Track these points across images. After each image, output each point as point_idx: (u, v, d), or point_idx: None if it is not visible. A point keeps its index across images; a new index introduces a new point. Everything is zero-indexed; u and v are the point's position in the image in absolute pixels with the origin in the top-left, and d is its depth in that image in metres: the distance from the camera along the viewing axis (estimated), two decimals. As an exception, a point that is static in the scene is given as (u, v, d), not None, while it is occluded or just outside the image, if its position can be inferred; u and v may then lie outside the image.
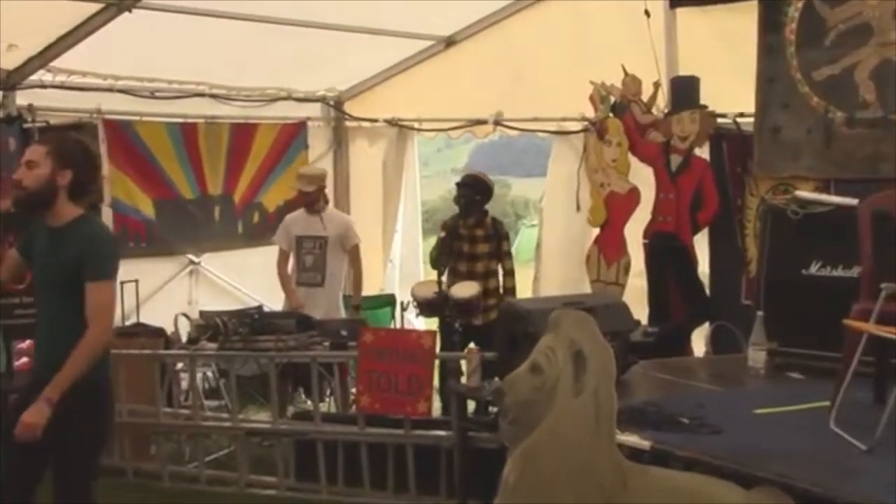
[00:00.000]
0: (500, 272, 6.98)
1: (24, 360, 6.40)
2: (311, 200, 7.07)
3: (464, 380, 5.24)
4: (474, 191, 6.90)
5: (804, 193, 5.41)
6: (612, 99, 7.02)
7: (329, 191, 7.71)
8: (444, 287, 6.44)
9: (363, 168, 9.29)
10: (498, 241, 6.92)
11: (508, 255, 7.05)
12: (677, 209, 6.63)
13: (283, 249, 7.21)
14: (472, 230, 6.89)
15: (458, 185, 7.04)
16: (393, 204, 9.04)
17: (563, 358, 3.28)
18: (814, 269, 5.01)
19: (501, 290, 6.93)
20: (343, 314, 7.09)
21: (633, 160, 6.99)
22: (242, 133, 8.50)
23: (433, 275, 6.46)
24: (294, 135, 8.89)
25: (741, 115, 6.47)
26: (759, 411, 4.09)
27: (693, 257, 6.65)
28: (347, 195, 9.30)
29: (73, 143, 4.10)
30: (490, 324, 6.40)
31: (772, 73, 6.05)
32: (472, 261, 6.87)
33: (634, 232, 6.99)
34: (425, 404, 5.28)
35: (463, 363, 5.38)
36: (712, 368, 5.34)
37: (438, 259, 6.61)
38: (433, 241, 7.03)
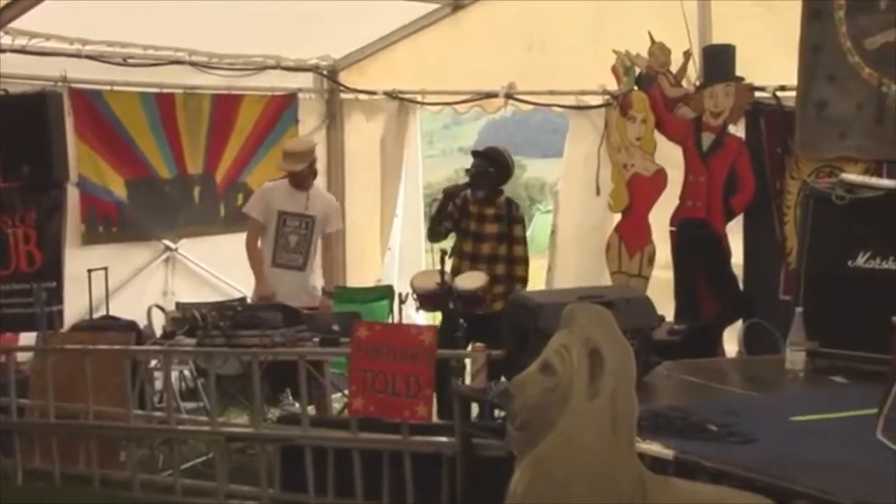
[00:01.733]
0: (508, 258, 6.90)
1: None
2: (301, 179, 7.04)
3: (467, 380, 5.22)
4: (488, 161, 6.86)
5: (851, 176, 5.36)
6: (638, 70, 7.02)
7: (321, 171, 7.69)
8: (447, 277, 6.41)
9: (359, 145, 9.28)
10: (509, 223, 6.87)
11: (522, 241, 6.97)
12: (708, 193, 6.64)
13: (257, 221, 7.11)
14: (481, 207, 6.85)
15: (474, 154, 7.05)
16: (392, 186, 9.02)
17: (578, 357, 3.25)
18: (860, 260, 4.97)
19: (511, 280, 6.87)
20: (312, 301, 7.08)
21: (660, 138, 7.00)
22: (225, 105, 8.49)
23: (436, 264, 6.43)
24: (283, 108, 8.89)
25: (782, 88, 6.46)
26: (797, 419, 4.05)
27: (725, 247, 6.66)
28: (342, 175, 9.30)
29: None
30: (494, 315, 6.39)
31: (817, 40, 6.00)
32: (477, 241, 6.84)
33: (660, 218, 7.00)
34: (425, 407, 5.25)
35: (467, 361, 5.35)
36: (745, 371, 5.30)
37: (434, 228, 6.61)
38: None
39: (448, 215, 6.76)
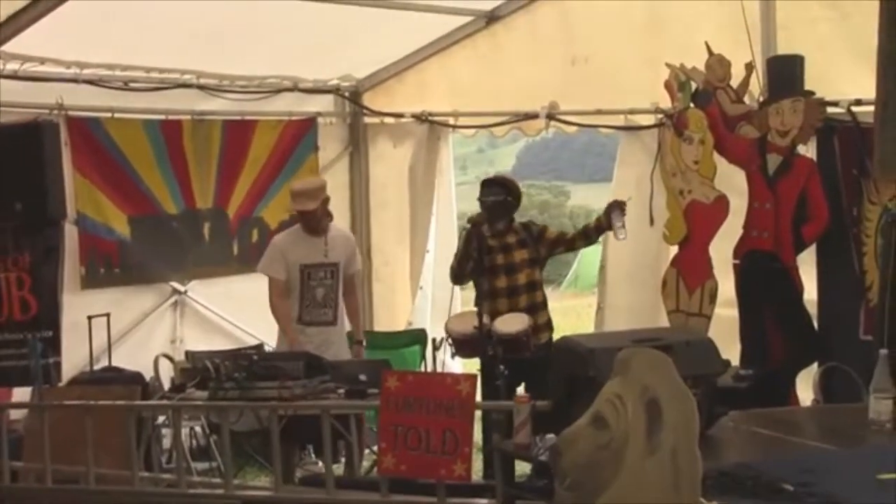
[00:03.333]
0: (542, 283, 6.95)
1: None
2: (316, 222, 6.98)
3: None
4: (505, 190, 6.89)
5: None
6: (694, 85, 7.00)
7: (344, 202, 7.68)
8: (485, 320, 6.37)
9: (386, 174, 9.32)
10: (535, 244, 6.88)
11: (553, 232, 7.03)
12: (776, 222, 6.60)
13: (277, 280, 7.00)
14: (501, 238, 6.86)
15: (486, 183, 7.03)
16: (423, 218, 9.03)
17: (634, 408, 3.22)
18: (952, 294, 4.91)
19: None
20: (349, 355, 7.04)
21: (720, 161, 6.97)
22: (237, 132, 8.53)
23: (472, 304, 6.40)
24: (301, 134, 8.92)
25: (857, 102, 6.41)
26: (884, 476, 3.97)
27: (797, 281, 6.61)
28: (367, 207, 9.32)
29: None
30: (539, 360, 6.37)
31: (897, 49, 5.95)
32: (510, 273, 6.83)
33: (722, 251, 6.97)
34: (463, 466, 5.18)
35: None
36: (823, 421, 5.24)
37: (461, 270, 6.62)
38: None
39: (469, 255, 6.73)
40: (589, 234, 6.94)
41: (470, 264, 6.69)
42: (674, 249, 7.29)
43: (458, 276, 6.79)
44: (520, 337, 6.46)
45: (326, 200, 7.04)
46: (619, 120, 8.06)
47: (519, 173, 36.83)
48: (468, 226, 6.70)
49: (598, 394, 3.34)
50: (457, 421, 5.17)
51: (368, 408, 5.90)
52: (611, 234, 6.77)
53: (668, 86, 7.09)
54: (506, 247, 6.86)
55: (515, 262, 6.84)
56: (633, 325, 6.66)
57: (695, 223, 7.08)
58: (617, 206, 6.62)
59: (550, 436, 4.61)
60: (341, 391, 5.98)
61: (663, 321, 7.17)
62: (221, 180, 8.48)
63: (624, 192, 8.04)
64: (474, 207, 6.87)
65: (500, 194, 6.85)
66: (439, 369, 7.24)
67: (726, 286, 6.96)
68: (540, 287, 6.97)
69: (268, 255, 7.09)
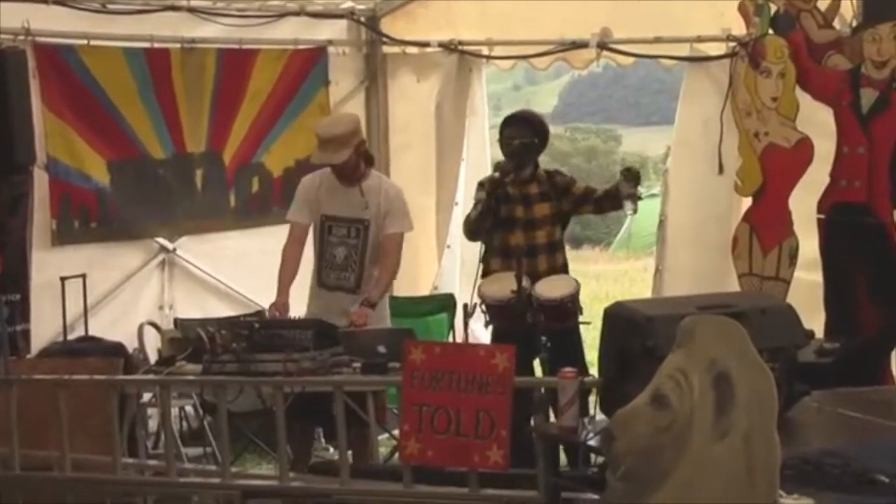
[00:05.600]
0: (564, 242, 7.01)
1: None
2: (349, 170, 6.86)
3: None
4: (532, 131, 6.86)
5: None
6: (773, 7, 6.99)
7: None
8: (525, 284, 6.38)
9: (408, 113, 9.32)
10: (557, 199, 6.86)
11: (580, 187, 6.95)
12: (870, 169, 6.61)
13: (299, 225, 6.90)
14: (523, 187, 6.85)
15: (509, 121, 7.01)
16: (451, 165, 9.06)
17: (700, 385, 3.27)
18: None
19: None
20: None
21: (804, 98, 6.96)
22: (235, 64, 8.53)
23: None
24: (309, 66, 8.92)
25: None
26: None
27: (893, 240, 6.60)
28: (385, 152, 9.32)
29: None
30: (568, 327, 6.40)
31: None
32: (529, 230, 6.84)
33: (805, 203, 6.98)
34: (500, 452, 5.19)
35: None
36: (923, 403, 5.25)
37: (479, 227, 6.65)
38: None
39: (492, 209, 6.69)
40: (615, 198, 6.81)
41: (490, 220, 6.68)
42: (747, 202, 7.31)
43: (475, 231, 6.79)
44: (565, 302, 6.48)
45: (361, 144, 6.81)
46: (684, 49, 8.06)
47: (562, 115, 36.80)
48: (496, 175, 6.67)
49: (658, 368, 3.39)
50: (492, 399, 5.18)
51: (389, 384, 5.94)
52: (673, 186, 6.79)
53: (742, 8, 7.10)
54: (527, 198, 6.84)
55: (536, 218, 6.84)
56: (698, 291, 6.61)
57: (772, 171, 7.09)
58: (628, 174, 6.56)
59: (602, 417, 4.67)
60: (357, 365, 6.00)
61: (733, 286, 7.18)
62: (216, 120, 8.48)
63: (688, 135, 8.08)
64: (510, 153, 6.83)
65: (527, 136, 6.82)
66: (471, 340, 7.23)
67: (809, 245, 6.99)
68: (561, 248, 6.98)
69: (299, 195, 6.93)
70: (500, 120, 7.18)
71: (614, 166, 24.71)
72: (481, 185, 6.89)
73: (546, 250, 6.85)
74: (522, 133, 6.82)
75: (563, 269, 6.92)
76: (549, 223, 6.86)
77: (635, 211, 6.57)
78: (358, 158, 6.75)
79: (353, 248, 6.83)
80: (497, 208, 6.72)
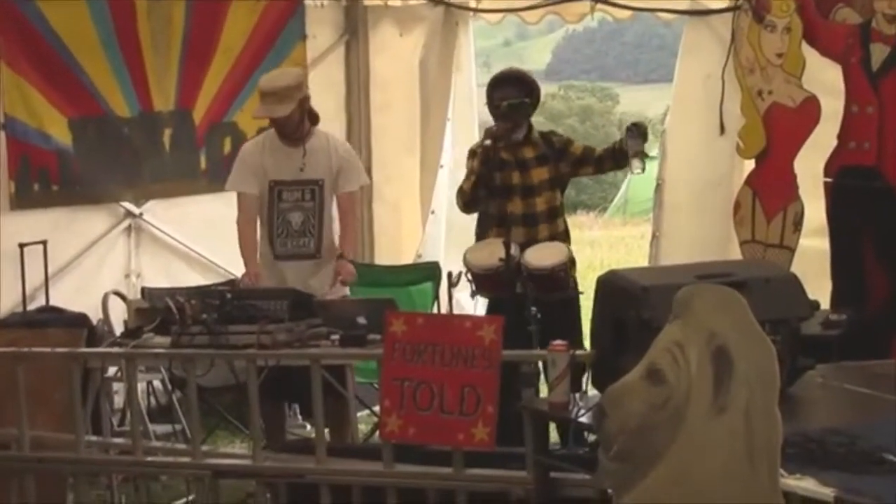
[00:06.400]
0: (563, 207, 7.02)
1: None
2: (291, 129, 6.89)
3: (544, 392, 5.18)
4: (524, 90, 6.87)
5: None
6: (779, -43, 6.94)
7: (338, 104, 7.61)
8: (514, 251, 6.38)
9: (391, 70, 9.31)
10: (556, 161, 6.87)
11: (578, 147, 7.00)
12: (880, 130, 6.60)
13: (249, 196, 6.92)
14: (517, 152, 6.85)
15: (498, 82, 7.00)
16: (436, 124, 9.05)
17: (698, 359, 3.27)
18: None
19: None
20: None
21: (811, 54, 6.95)
22: (205, 15, 8.50)
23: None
24: (285, 18, 8.90)
25: None
26: None
27: (904, 205, 6.60)
28: (366, 110, 9.33)
29: None
30: (575, 299, 6.39)
31: None
32: (527, 196, 6.86)
33: (811, 166, 6.96)
34: (485, 429, 5.21)
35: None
36: (934, 378, 5.24)
37: (474, 197, 6.66)
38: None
39: (487, 177, 6.70)
40: (618, 157, 6.86)
41: (485, 190, 6.68)
42: (749, 165, 7.30)
43: (469, 202, 6.81)
44: (556, 271, 6.48)
45: (305, 100, 6.84)
46: (684, 2, 8.02)
47: (556, 72, 36.84)
48: (488, 142, 6.65)
49: (654, 341, 3.39)
50: (478, 374, 5.20)
51: (368, 357, 5.95)
52: (672, 148, 6.76)
53: (745, -42, 7.07)
54: (522, 163, 6.85)
55: (534, 184, 6.86)
56: (697, 259, 6.60)
57: (776, 132, 7.09)
58: (636, 130, 6.56)
59: (594, 392, 4.69)
60: (335, 337, 6.00)
61: (735, 254, 7.20)
62: (185, 75, 8.46)
63: (687, 94, 8.06)
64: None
65: (517, 95, 6.81)
66: (456, 311, 7.23)
67: (815, 210, 6.99)
68: (561, 214, 7.01)
69: (236, 167, 6.98)
70: (489, 78, 7.16)
71: (610, 127, 24.82)
72: (472, 153, 6.89)
73: (546, 217, 6.88)
74: (512, 93, 6.81)
75: (565, 236, 6.96)
76: (548, 188, 6.88)
77: (643, 170, 6.60)
78: (302, 115, 6.79)
79: (310, 212, 6.86)
80: (491, 176, 6.71)
